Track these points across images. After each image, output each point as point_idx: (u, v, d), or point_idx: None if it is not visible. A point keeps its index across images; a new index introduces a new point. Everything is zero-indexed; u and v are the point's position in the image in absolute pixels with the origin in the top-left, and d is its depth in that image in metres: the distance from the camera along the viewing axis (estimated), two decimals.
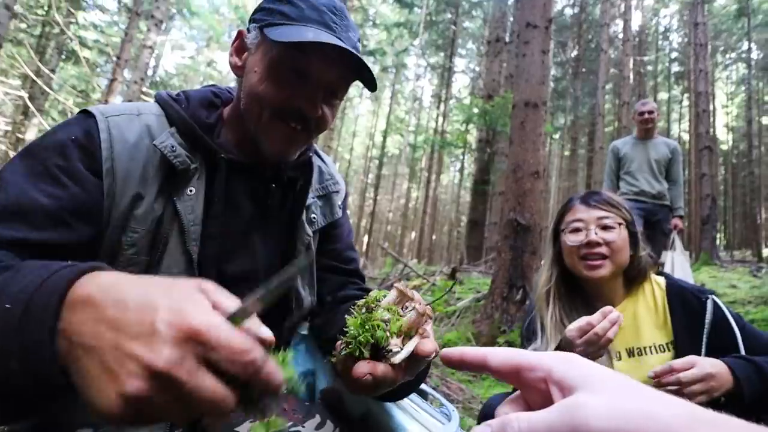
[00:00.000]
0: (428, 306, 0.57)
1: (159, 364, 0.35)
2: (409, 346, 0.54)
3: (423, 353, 0.54)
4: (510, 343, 3.59)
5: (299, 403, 0.85)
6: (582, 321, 1.05)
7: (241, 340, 0.37)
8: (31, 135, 11.54)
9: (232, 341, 0.37)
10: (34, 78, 8.82)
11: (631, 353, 1.21)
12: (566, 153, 24.26)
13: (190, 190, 0.81)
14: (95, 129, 0.77)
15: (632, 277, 1.30)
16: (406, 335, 0.55)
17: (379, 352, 0.54)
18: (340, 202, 1.08)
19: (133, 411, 0.36)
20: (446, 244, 29.16)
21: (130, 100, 4.85)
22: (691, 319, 1.20)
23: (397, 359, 0.53)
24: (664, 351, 1.19)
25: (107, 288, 0.41)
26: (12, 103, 10.72)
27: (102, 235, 0.76)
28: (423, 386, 1.02)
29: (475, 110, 10.69)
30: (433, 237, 26.67)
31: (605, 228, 1.25)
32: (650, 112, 3.97)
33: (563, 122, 21.53)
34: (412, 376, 0.60)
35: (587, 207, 1.29)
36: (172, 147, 0.80)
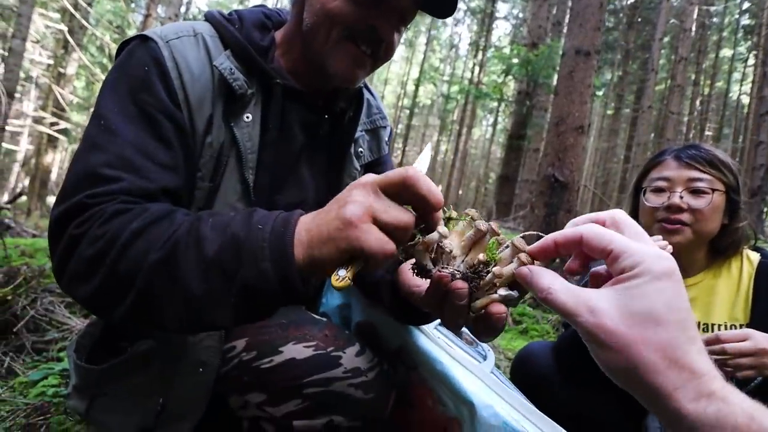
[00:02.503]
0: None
1: (347, 215, 0.49)
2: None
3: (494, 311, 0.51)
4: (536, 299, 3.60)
5: (339, 330, 0.87)
6: None
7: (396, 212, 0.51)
8: (71, 70, 11.74)
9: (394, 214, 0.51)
10: (72, 11, 8.82)
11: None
12: (609, 112, 22.82)
13: (247, 117, 0.79)
14: (161, 56, 0.74)
15: (721, 249, 1.15)
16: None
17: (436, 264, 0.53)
18: (386, 138, 1.05)
19: (378, 232, 0.50)
20: (472, 200, 28.84)
21: None
22: None
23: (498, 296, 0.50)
24: None
25: (310, 219, 0.54)
26: (53, 36, 10.83)
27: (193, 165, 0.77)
28: None
29: (515, 60, 10.06)
30: (460, 192, 26.39)
31: (695, 192, 1.09)
32: None
33: (609, 78, 20.07)
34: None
35: (679, 164, 1.12)
36: (231, 70, 0.77)
